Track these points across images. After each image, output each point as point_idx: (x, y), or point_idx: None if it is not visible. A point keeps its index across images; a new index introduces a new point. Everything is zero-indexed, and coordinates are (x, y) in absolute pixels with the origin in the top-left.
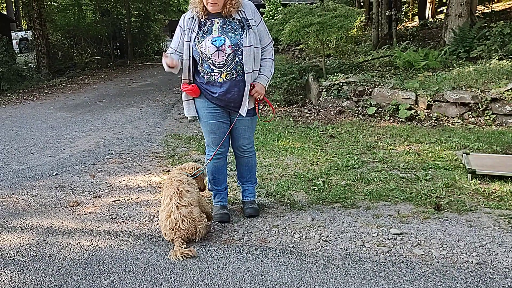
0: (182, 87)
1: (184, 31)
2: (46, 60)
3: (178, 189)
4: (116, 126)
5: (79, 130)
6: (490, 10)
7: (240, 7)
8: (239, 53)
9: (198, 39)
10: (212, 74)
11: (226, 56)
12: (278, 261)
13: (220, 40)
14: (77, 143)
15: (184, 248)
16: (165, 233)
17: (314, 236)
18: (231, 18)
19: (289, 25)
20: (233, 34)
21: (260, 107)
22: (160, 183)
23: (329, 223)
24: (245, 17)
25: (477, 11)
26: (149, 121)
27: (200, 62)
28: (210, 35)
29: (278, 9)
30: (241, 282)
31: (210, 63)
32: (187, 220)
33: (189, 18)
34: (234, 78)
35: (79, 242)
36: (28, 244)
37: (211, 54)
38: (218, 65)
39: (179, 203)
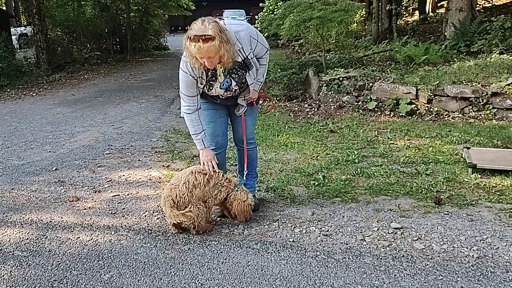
0: None
1: (196, 79)
2: (45, 55)
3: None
4: (115, 121)
5: (79, 126)
6: (490, 4)
7: (235, 59)
8: (245, 87)
9: (207, 87)
10: (217, 99)
11: (233, 91)
12: (278, 256)
13: (227, 82)
14: (76, 138)
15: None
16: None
17: (315, 231)
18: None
19: (289, 19)
20: (237, 76)
21: (260, 102)
22: (159, 177)
23: (330, 217)
24: (244, 56)
25: (477, 5)
26: (148, 116)
27: (209, 95)
28: (216, 81)
29: (278, 3)
30: (241, 276)
31: (217, 96)
32: (183, 196)
33: (193, 67)
34: (234, 96)
35: (79, 237)
36: (27, 239)
37: (221, 94)
38: (225, 96)
39: (188, 181)
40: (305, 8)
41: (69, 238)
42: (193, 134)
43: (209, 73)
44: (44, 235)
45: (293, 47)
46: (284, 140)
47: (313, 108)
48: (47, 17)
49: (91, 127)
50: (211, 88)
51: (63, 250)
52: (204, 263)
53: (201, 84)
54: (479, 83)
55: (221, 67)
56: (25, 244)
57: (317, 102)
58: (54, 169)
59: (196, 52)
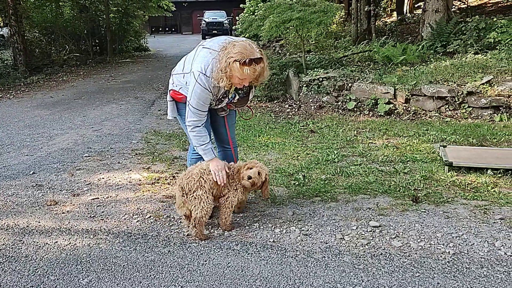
0: (172, 94)
1: (213, 96)
2: (23, 57)
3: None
4: (95, 123)
5: (57, 128)
6: (466, 5)
7: None
8: (244, 101)
9: (217, 102)
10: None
11: (231, 104)
12: (259, 256)
13: (232, 97)
14: (55, 141)
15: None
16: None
17: (295, 230)
18: None
19: (268, 20)
20: (242, 91)
21: None
22: (139, 180)
23: (309, 217)
24: None
25: (453, 6)
26: (129, 118)
27: None
28: (226, 98)
29: (258, 5)
30: (221, 277)
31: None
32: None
33: (213, 86)
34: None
35: (57, 242)
36: (3, 244)
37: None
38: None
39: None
40: (285, 9)
41: (47, 243)
42: (202, 145)
43: (222, 90)
44: (21, 240)
45: (273, 48)
46: (265, 140)
47: (294, 109)
48: (24, 18)
49: (70, 130)
50: (220, 103)
51: (40, 255)
52: (184, 265)
53: (213, 100)
54: (455, 82)
55: (233, 87)
56: (0, 250)
57: (298, 102)
58: (31, 172)
59: (250, 74)
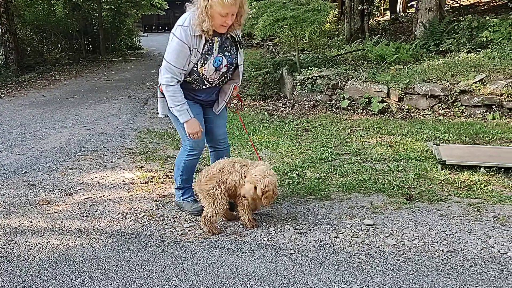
0: (162, 90)
1: (191, 50)
2: (14, 55)
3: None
4: (88, 122)
5: (50, 127)
6: (458, 4)
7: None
8: (231, 69)
9: (201, 61)
10: (203, 86)
11: (221, 74)
12: (253, 255)
13: (219, 60)
14: (47, 140)
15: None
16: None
17: (289, 229)
18: (227, 36)
19: (262, 19)
20: (229, 54)
21: (233, 102)
22: (133, 179)
23: (304, 215)
24: (238, 34)
25: (446, 5)
26: (122, 116)
27: (195, 77)
28: (211, 56)
29: (252, 3)
30: (216, 277)
31: (205, 79)
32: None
33: (193, 36)
34: (217, 85)
35: (49, 241)
36: None
37: (210, 75)
38: (211, 81)
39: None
40: (279, 7)
41: (39, 243)
42: (177, 105)
43: (206, 46)
44: (13, 240)
45: (267, 46)
46: (259, 139)
47: (288, 107)
48: (16, 16)
49: (62, 129)
50: (205, 62)
51: (33, 255)
52: (178, 264)
53: (195, 57)
54: (448, 81)
55: (217, 41)
56: None
57: (292, 101)
58: (23, 172)
59: (231, 2)
